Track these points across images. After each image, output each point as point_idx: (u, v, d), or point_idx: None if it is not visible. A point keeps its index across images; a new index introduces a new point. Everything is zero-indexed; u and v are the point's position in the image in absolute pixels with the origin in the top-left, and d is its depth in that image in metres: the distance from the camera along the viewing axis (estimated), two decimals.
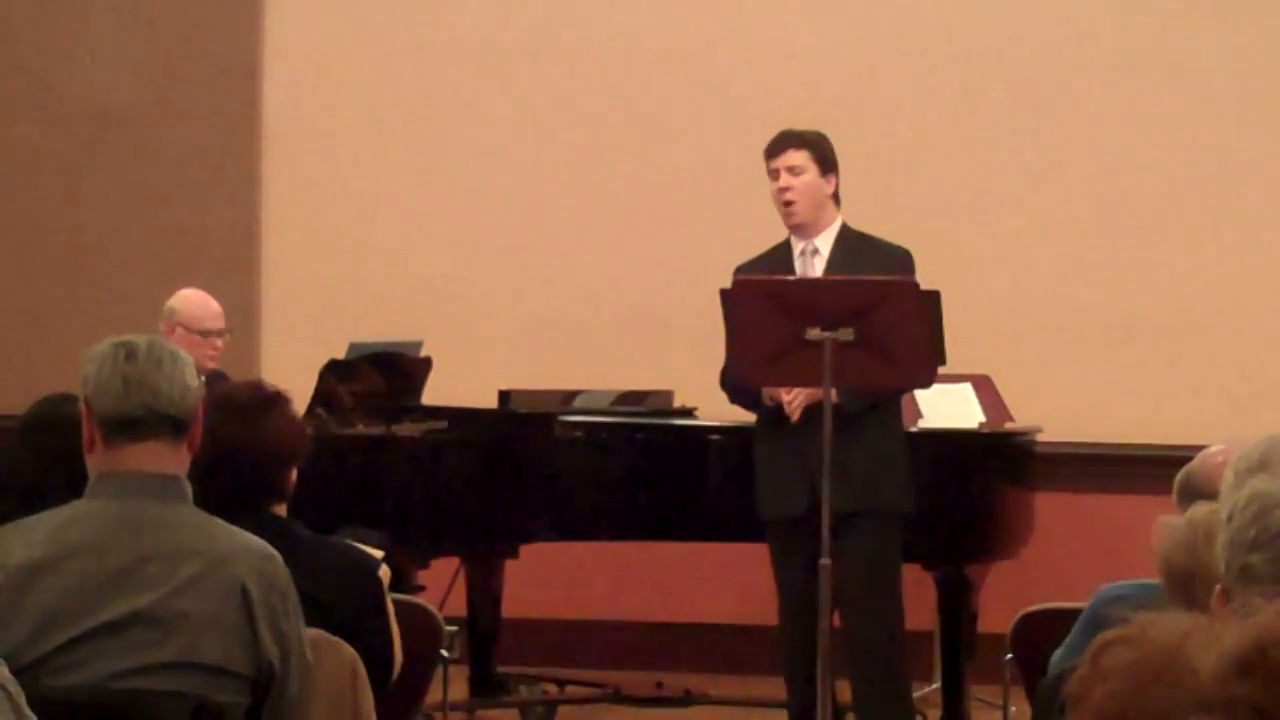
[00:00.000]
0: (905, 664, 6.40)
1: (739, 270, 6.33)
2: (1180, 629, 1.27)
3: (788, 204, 6.31)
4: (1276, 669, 1.24)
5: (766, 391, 6.20)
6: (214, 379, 6.98)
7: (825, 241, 6.33)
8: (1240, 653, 1.24)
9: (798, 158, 6.32)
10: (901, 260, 6.29)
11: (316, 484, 5.01)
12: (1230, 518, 2.41)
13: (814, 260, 6.32)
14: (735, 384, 6.26)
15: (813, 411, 6.05)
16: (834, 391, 5.98)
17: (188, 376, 3.55)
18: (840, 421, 5.96)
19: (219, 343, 7.18)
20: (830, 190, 6.34)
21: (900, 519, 6.28)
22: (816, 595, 5.97)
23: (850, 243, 6.34)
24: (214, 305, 7.23)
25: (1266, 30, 8.45)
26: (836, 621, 6.07)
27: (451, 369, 7.71)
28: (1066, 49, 8.54)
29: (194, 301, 7.21)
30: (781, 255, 6.35)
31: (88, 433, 3.53)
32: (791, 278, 6.17)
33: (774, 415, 6.22)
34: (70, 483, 3.60)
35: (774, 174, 6.35)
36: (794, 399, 6.12)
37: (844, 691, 6.46)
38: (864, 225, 6.46)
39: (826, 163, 6.35)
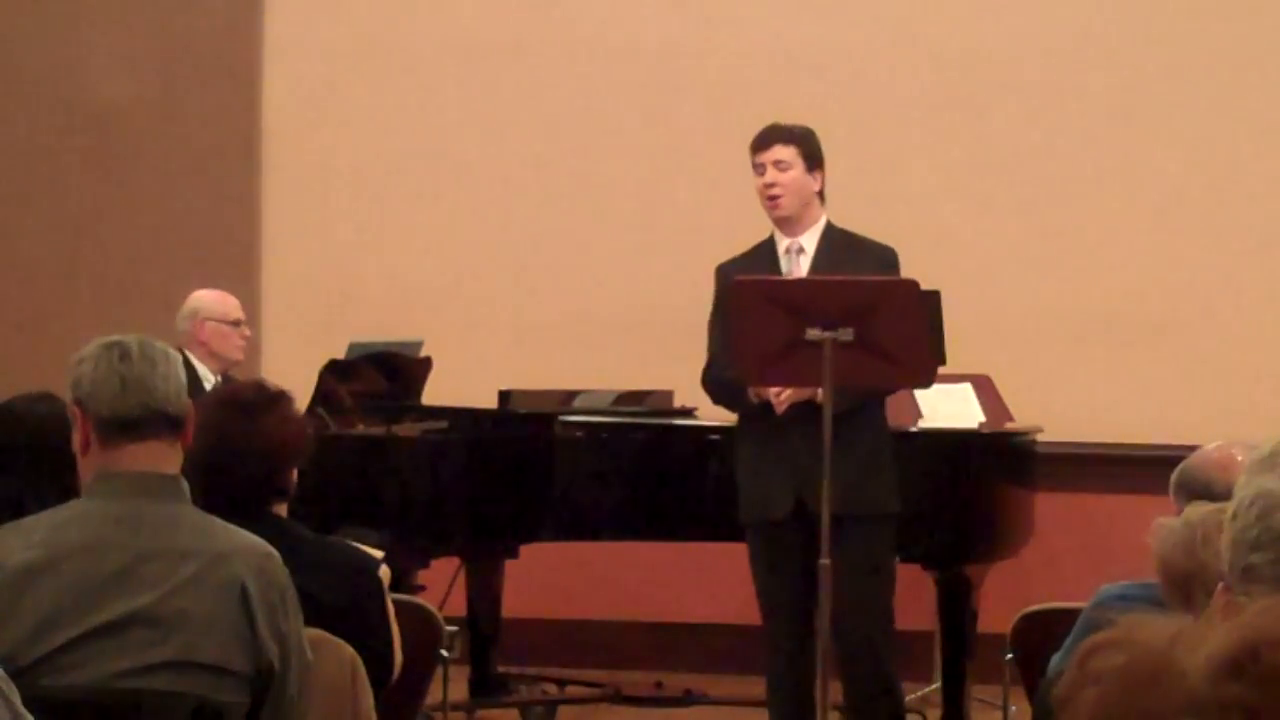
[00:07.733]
0: (895, 665, 6.35)
1: (721, 268, 6.26)
2: (1168, 631, 1.27)
3: (773, 199, 6.20)
4: (1267, 670, 1.23)
5: (753, 389, 6.08)
6: (225, 380, 7.02)
7: (810, 240, 6.22)
8: (1230, 654, 1.24)
9: (785, 153, 6.21)
10: (888, 259, 6.19)
11: (316, 484, 5.02)
12: (1235, 515, 2.38)
13: (799, 259, 6.21)
14: (721, 382, 6.18)
15: (798, 411, 5.99)
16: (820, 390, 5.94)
17: (181, 375, 3.55)
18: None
19: (246, 332, 7.42)
20: (816, 187, 6.23)
21: (892, 520, 6.19)
22: (806, 600, 5.95)
23: (836, 241, 6.23)
24: (232, 297, 7.45)
25: (1266, 30, 8.44)
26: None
27: (451, 369, 7.71)
28: (1066, 48, 8.53)
29: (215, 296, 7.42)
30: (765, 253, 6.25)
31: (81, 435, 3.51)
32: (793, 278, 6.13)
33: (758, 415, 6.11)
34: (34, 483, 3.58)
35: (759, 169, 6.24)
36: (782, 393, 6.01)
37: (834, 693, 6.45)
38: (864, 225, 6.43)
39: (813, 159, 6.23)
